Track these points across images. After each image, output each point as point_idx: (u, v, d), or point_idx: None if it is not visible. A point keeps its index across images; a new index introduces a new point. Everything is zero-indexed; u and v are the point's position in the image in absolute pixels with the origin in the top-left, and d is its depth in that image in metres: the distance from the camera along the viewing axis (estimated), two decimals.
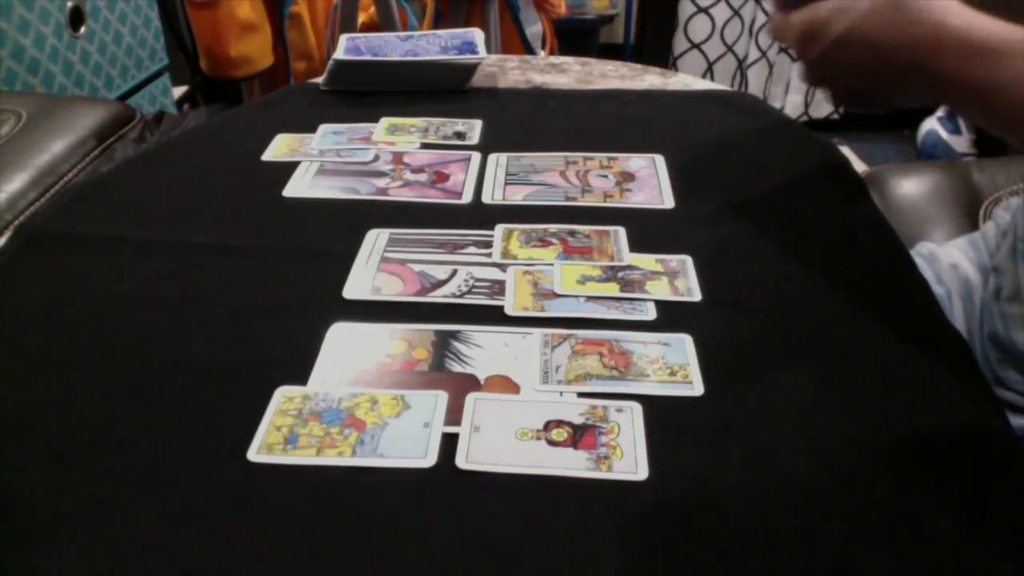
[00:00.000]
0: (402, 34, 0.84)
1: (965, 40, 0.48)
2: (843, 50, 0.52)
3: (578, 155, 0.67)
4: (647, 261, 0.54)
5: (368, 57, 0.79)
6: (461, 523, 0.37)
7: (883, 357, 0.46)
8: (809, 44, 0.54)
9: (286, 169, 0.65)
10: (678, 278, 0.52)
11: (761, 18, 2.12)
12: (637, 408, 0.42)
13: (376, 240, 0.56)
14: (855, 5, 0.52)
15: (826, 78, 0.57)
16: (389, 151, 0.68)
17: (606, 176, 0.64)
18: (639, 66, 0.86)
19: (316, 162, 0.66)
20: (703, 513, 0.37)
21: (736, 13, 2.14)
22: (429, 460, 0.40)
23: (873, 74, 0.53)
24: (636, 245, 0.55)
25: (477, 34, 0.82)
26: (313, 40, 1.95)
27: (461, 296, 0.51)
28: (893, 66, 0.51)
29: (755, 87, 2.22)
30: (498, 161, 0.67)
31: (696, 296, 0.50)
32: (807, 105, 2.25)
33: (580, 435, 0.41)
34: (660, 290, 0.51)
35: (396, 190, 0.63)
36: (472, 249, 0.55)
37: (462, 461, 0.39)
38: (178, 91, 1.83)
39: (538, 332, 0.48)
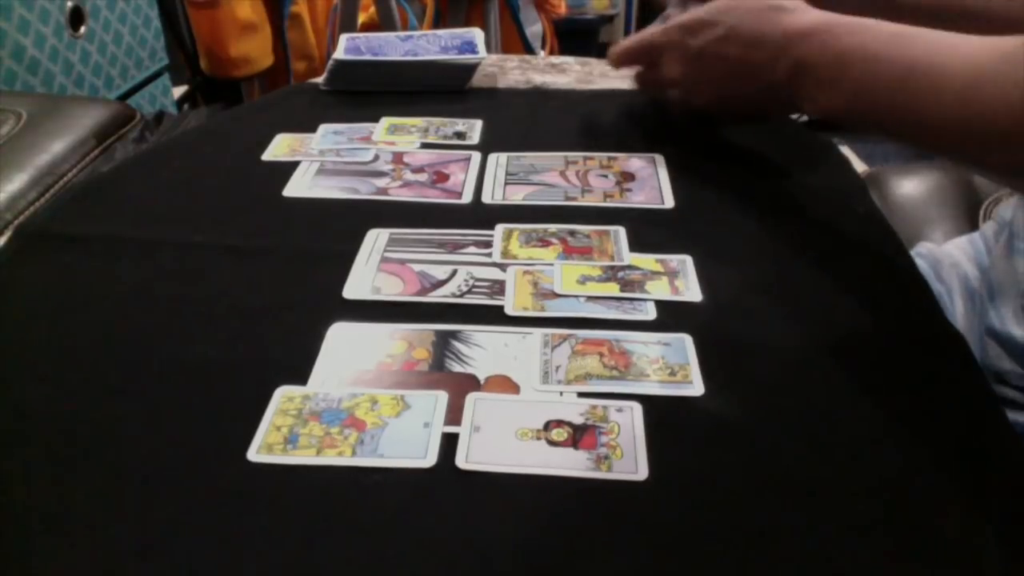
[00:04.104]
0: (402, 34, 0.84)
1: (831, 20, 0.53)
2: (721, 44, 0.59)
3: (578, 155, 0.67)
4: (647, 261, 0.54)
5: (368, 57, 0.79)
6: (461, 523, 0.37)
7: (883, 357, 0.46)
8: (689, 37, 0.61)
9: (286, 169, 0.65)
10: (678, 278, 0.52)
11: None
12: (637, 408, 0.42)
13: (376, 240, 0.56)
14: (739, 5, 0.59)
15: (688, 78, 0.63)
16: (389, 151, 0.68)
17: (606, 176, 0.64)
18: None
19: (316, 162, 0.66)
20: (703, 513, 0.37)
21: None
22: (429, 460, 0.40)
23: (740, 66, 0.59)
24: (636, 245, 0.55)
25: (477, 34, 0.82)
26: (313, 40, 1.95)
27: (461, 296, 0.51)
28: (760, 55, 0.57)
29: None
30: (498, 161, 0.67)
31: (696, 296, 0.50)
32: None
33: (580, 435, 0.41)
34: (660, 290, 0.51)
35: (396, 190, 0.63)
36: (472, 249, 0.55)
37: (462, 461, 0.39)
38: (178, 91, 1.83)
39: (538, 332, 0.48)
